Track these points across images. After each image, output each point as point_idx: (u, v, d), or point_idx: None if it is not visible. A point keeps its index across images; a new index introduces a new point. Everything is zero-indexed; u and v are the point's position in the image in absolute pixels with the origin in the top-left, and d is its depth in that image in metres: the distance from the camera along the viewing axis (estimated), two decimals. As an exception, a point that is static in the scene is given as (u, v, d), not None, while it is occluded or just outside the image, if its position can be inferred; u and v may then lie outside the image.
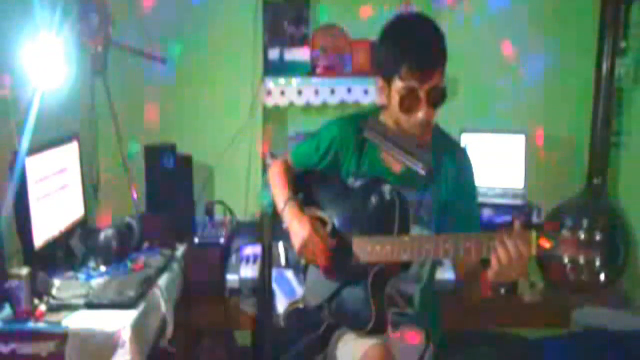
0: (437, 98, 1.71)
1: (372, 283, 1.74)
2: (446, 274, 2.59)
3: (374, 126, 1.85)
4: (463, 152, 1.93)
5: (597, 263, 1.37)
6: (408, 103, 1.71)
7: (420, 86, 1.68)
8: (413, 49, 1.69)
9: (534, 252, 1.46)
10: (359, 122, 1.89)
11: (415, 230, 1.79)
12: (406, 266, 1.77)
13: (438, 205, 1.82)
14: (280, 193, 1.93)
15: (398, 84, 1.71)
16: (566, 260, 1.40)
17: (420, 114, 1.71)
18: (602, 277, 1.38)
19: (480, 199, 2.99)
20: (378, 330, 1.73)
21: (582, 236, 1.39)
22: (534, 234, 1.46)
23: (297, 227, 1.81)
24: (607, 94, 2.98)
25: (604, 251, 1.36)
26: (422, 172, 1.76)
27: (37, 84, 2.32)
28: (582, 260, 1.38)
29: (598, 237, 1.37)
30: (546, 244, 1.44)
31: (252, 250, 2.78)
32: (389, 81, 1.74)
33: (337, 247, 1.82)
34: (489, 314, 2.86)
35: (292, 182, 1.97)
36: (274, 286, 1.93)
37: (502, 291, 1.64)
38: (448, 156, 1.85)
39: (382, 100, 1.81)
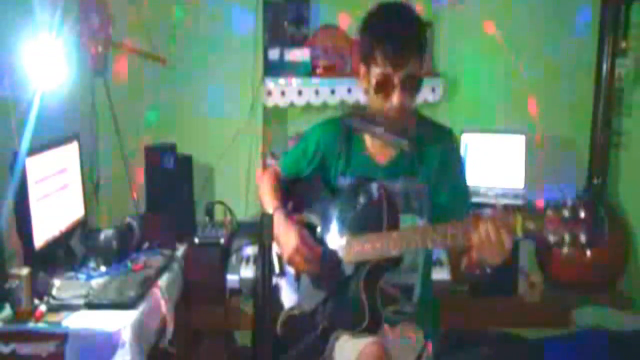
0: (412, 85, 1.76)
1: (364, 282, 1.75)
2: (442, 274, 2.58)
3: (356, 113, 1.91)
4: (446, 132, 1.96)
5: (583, 238, 1.36)
6: (383, 88, 1.75)
7: (395, 72, 1.72)
8: (386, 35, 1.74)
9: (520, 234, 1.47)
10: (343, 120, 1.94)
11: (407, 219, 1.81)
12: (397, 261, 1.78)
13: (428, 189, 1.85)
14: (268, 203, 1.97)
15: (375, 70, 1.76)
16: (552, 239, 1.40)
17: (395, 99, 1.74)
18: (589, 252, 1.36)
19: (481, 199, 3.00)
20: (373, 328, 1.74)
21: (566, 213, 1.39)
22: (519, 216, 1.47)
23: (284, 238, 1.84)
24: (607, 94, 2.98)
25: (589, 226, 1.36)
26: (407, 148, 1.77)
27: (37, 84, 2.32)
28: (567, 237, 1.38)
29: (582, 214, 1.37)
30: (531, 225, 1.44)
31: (252, 250, 2.78)
32: (368, 67, 1.79)
33: (326, 251, 1.84)
34: (489, 314, 2.86)
35: (279, 190, 2.01)
36: (281, 282, 1.94)
37: (488, 270, 1.63)
38: (432, 138, 1.89)
39: (364, 86, 1.85)
